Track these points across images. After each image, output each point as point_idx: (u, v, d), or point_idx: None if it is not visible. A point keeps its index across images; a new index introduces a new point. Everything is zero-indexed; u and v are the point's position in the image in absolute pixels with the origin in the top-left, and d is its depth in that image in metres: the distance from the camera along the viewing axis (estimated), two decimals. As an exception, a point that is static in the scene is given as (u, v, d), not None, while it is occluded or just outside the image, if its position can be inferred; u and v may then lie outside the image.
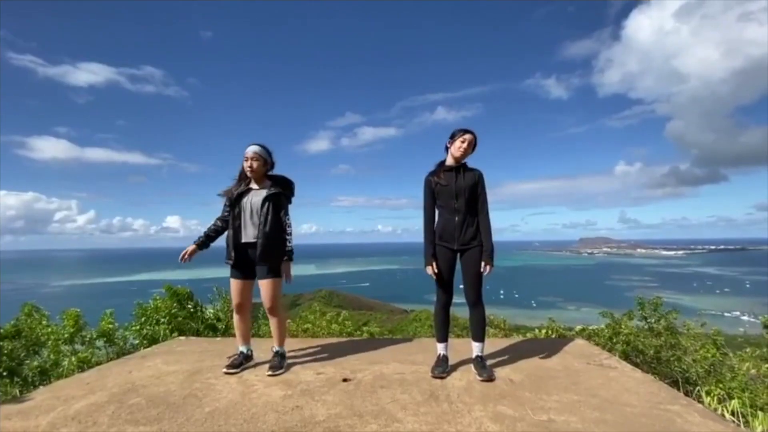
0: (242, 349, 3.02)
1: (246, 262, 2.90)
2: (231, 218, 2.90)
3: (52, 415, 2.19)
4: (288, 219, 2.95)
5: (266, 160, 2.95)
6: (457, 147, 2.78)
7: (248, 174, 2.91)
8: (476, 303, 2.78)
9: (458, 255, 2.81)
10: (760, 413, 2.46)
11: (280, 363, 2.88)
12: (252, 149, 2.90)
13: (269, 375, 2.76)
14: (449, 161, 2.85)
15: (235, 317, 3.00)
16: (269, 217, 2.84)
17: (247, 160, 2.89)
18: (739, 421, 2.43)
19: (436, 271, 2.75)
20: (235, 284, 2.92)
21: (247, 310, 3.00)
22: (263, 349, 3.21)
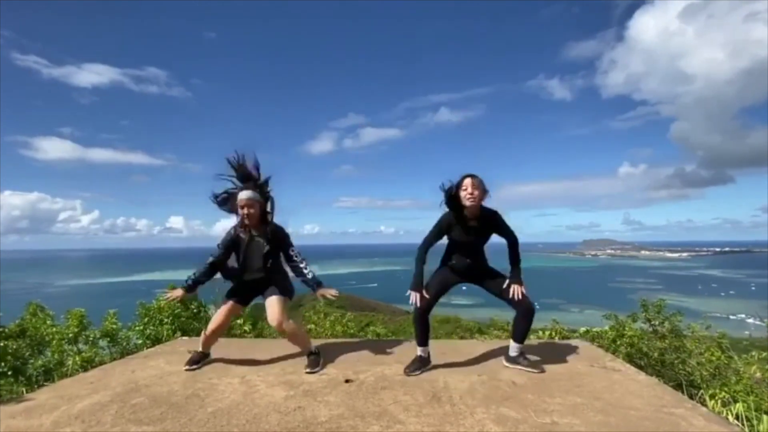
0: (204, 350, 3.07)
1: (243, 290, 3.00)
2: (234, 260, 2.95)
3: (55, 414, 2.20)
4: (294, 249, 2.97)
5: (261, 204, 2.87)
6: (465, 198, 2.68)
7: (246, 222, 2.85)
8: (528, 307, 2.82)
9: (464, 281, 2.95)
10: (765, 417, 2.44)
11: (316, 360, 2.95)
12: (246, 196, 2.79)
13: (308, 372, 2.82)
14: (467, 212, 2.74)
15: (207, 336, 2.97)
16: (271, 265, 2.94)
17: (242, 208, 2.80)
18: (743, 424, 2.41)
19: (418, 302, 2.75)
20: (226, 308, 2.97)
21: (221, 333, 3.05)
22: (267, 351, 3.21)
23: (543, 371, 2.77)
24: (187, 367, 2.91)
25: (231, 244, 2.91)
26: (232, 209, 2.91)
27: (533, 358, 2.94)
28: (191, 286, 2.94)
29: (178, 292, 2.93)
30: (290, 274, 3.03)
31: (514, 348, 2.88)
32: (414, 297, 2.75)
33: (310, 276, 2.92)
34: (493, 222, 2.83)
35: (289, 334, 2.91)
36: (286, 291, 2.96)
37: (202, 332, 3.04)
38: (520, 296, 2.77)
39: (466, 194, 2.68)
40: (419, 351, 2.89)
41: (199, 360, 3.00)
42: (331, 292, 2.89)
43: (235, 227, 2.93)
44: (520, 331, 2.86)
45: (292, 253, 2.96)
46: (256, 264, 2.90)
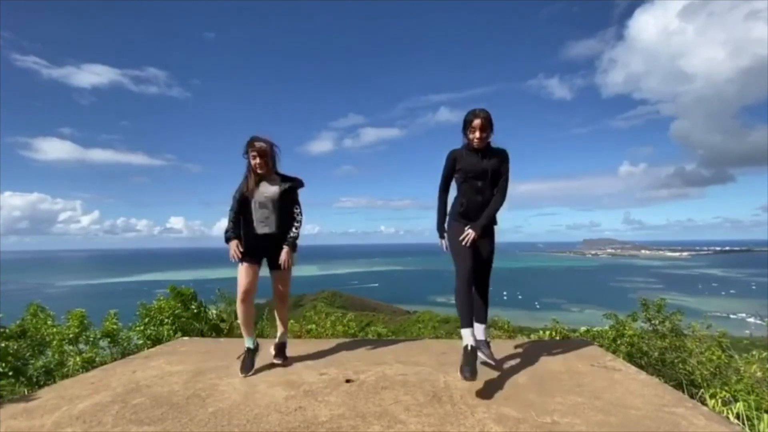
0: (249, 344, 2.98)
1: (255, 252, 2.95)
2: (244, 212, 2.93)
3: (56, 414, 2.21)
4: (299, 208, 3.04)
5: (273, 155, 2.97)
6: (473, 138, 2.70)
7: (258, 171, 2.90)
8: (484, 291, 2.83)
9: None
10: (765, 416, 2.44)
11: (283, 351, 3.14)
12: (258, 145, 2.88)
13: (278, 363, 3.01)
14: (473, 146, 2.75)
15: (241, 307, 2.93)
16: (284, 212, 2.95)
17: (255, 158, 2.88)
18: (744, 424, 2.41)
19: (447, 245, 2.79)
20: (246, 269, 2.92)
21: (253, 298, 3.02)
22: (268, 351, 3.21)
23: (500, 368, 2.75)
24: (243, 374, 2.80)
25: (244, 189, 2.94)
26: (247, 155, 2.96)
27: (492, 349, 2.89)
28: (239, 234, 2.92)
29: (234, 242, 2.89)
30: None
31: (479, 330, 2.82)
32: (443, 244, 2.81)
33: (291, 235, 2.99)
34: (500, 159, 2.77)
35: (286, 306, 3.14)
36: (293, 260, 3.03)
37: (239, 312, 2.96)
38: (468, 243, 2.68)
39: (475, 136, 2.68)
40: (466, 339, 2.52)
41: (252, 362, 2.91)
42: (286, 262, 2.95)
43: (246, 175, 2.98)
44: (478, 311, 2.84)
45: (295, 211, 3.02)
46: (266, 213, 2.93)
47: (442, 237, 2.89)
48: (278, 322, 3.21)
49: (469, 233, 2.69)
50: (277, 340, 3.17)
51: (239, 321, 3.03)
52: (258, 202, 2.93)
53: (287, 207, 2.99)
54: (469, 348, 2.48)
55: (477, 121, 2.68)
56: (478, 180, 2.75)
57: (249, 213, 2.93)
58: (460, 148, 2.84)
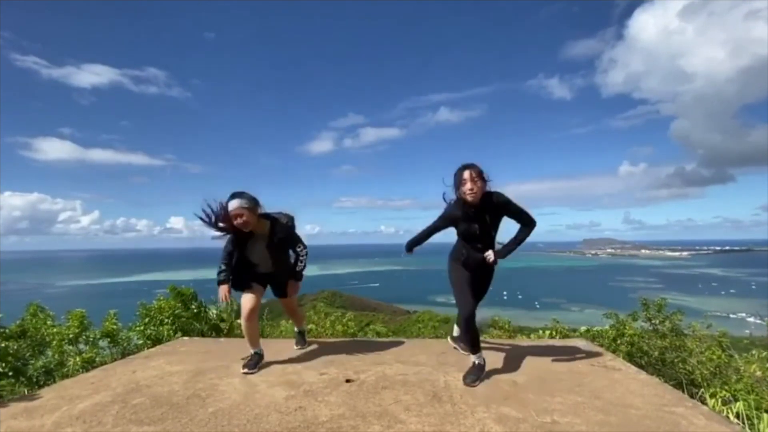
0: (255, 350, 3.02)
1: (254, 278, 3.00)
2: (240, 251, 2.95)
3: (57, 414, 2.21)
4: (301, 245, 3.05)
5: (253, 208, 2.81)
6: (465, 191, 2.62)
7: (244, 231, 2.83)
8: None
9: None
10: (765, 415, 2.44)
11: (303, 340, 3.46)
12: (235, 204, 2.73)
13: (297, 348, 3.35)
14: (471, 203, 2.69)
15: (246, 324, 2.93)
16: (281, 258, 3.02)
17: (235, 218, 2.74)
18: (744, 423, 2.41)
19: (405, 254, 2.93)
20: (247, 292, 2.95)
21: (257, 314, 3.04)
22: (268, 351, 3.21)
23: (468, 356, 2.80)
24: (246, 370, 2.83)
25: (234, 240, 2.93)
26: (227, 226, 2.86)
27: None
28: (227, 279, 2.92)
29: (225, 287, 2.89)
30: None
31: (456, 329, 3.08)
32: (405, 253, 2.95)
33: (297, 269, 3.08)
34: (497, 204, 2.72)
35: (295, 312, 3.35)
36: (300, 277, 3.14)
37: (244, 329, 2.97)
38: (490, 260, 2.74)
39: (466, 189, 2.61)
40: (474, 359, 2.73)
41: (256, 363, 2.94)
42: (292, 288, 3.12)
43: (232, 239, 2.95)
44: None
45: (297, 249, 3.06)
46: (262, 262, 2.98)
47: (408, 250, 3.00)
48: (294, 322, 3.47)
49: (490, 255, 2.74)
50: (296, 330, 3.45)
51: (244, 335, 3.02)
52: (253, 252, 2.95)
53: (285, 250, 3.05)
54: (477, 364, 2.70)
55: (467, 173, 2.61)
56: (477, 242, 2.77)
57: (246, 253, 2.94)
58: (455, 204, 2.76)
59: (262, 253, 2.94)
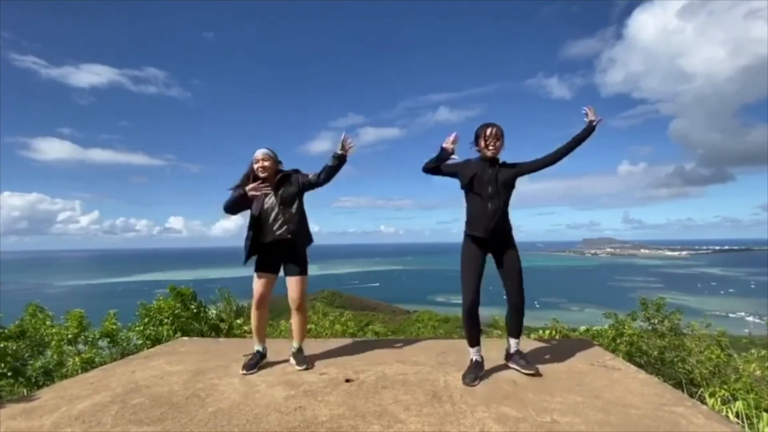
0: (258, 348, 3.01)
1: (268, 259, 2.95)
2: (251, 219, 2.91)
3: (56, 414, 2.20)
4: (311, 174, 3.03)
5: (276, 160, 3.01)
6: (485, 149, 2.68)
7: (260, 175, 2.91)
8: (520, 302, 2.77)
9: (488, 253, 2.77)
10: (764, 415, 2.44)
11: (305, 358, 2.99)
12: (262, 151, 2.95)
13: (300, 370, 2.86)
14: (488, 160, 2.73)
15: (255, 313, 2.96)
16: (294, 218, 2.92)
17: (257, 162, 2.91)
18: (743, 422, 2.42)
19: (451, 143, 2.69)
20: (260, 277, 2.93)
21: (267, 305, 3.02)
22: (268, 351, 3.21)
23: (538, 373, 2.68)
24: (245, 371, 2.82)
25: (246, 180, 2.93)
26: (248, 172, 2.96)
27: (529, 357, 2.85)
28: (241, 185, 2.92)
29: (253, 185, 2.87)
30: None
31: (512, 344, 2.85)
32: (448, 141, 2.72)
33: (330, 163, 2.98)
34: (511, 165, 2.76)
35: (302, 317, 3.01)
36: (306, 269, 3.00)
37: (252, 318, 2.98)
38: (593, 116, 2.70)
39: (488, 144, 2.67)
40: (473, 354, 2.72)
41: (256, 363, 2.92)
42: (347, 143, 2.96)
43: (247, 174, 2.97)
44: (514, 326, 2.83)
45: (311, 176, 3.01)
46: (277, 217, 2.90)
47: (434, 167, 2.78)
48: (293, 332, 3.07)
49: (590, 111, 2.70)
50: (293, 348, 3.06)
51: (252, 326, 3.02)
52: (267, 207, 2.91)
53: (299, 200, 2.99)
54: (474, 361, 2.71)
55: (489, 129, 2.68)
56: (486, 186, 2.68)
57: (258, 222, 2.90)
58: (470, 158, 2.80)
59: (275, 209, 2.89)
